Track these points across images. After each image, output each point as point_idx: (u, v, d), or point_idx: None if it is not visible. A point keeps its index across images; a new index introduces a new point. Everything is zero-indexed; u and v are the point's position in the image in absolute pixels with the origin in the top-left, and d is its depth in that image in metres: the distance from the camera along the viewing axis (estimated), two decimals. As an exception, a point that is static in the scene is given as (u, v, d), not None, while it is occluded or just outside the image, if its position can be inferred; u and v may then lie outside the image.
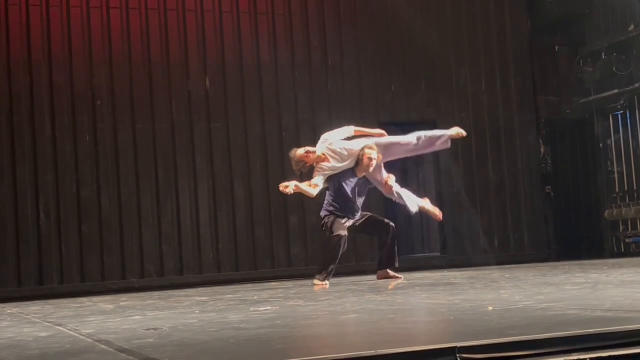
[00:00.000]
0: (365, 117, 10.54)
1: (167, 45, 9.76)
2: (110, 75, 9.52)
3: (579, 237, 11.24)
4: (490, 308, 3.89)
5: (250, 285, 8.57)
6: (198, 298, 6.38)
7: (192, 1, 9.87)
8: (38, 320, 4.99)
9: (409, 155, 7.83)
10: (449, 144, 7.60)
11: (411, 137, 7.51)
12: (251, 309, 4.76)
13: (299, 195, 10.13)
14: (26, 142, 9.13)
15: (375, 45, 10.69)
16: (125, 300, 6.83)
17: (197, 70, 9.90)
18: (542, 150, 11.32)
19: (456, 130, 7.49)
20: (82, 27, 9.45)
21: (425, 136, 7.52)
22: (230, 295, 6.48)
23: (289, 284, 8.15)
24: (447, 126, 10.85)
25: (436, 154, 10.94)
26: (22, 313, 5.85)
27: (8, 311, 6.29)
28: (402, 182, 11.70)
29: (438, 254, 11.02)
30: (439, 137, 7.56)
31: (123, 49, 9.56)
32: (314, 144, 10.28)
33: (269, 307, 4.82)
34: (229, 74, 10.04)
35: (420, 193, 11.47)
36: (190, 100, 9.82)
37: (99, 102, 9.43)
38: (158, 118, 9.66)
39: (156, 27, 9.73)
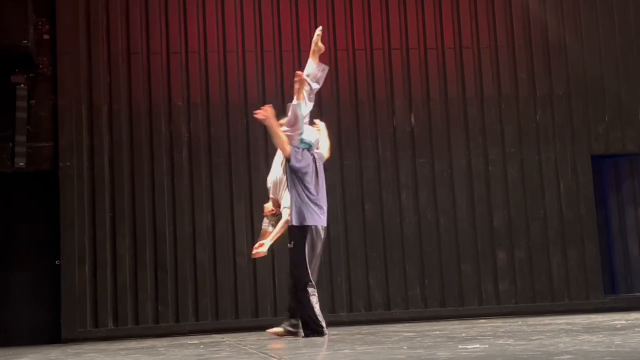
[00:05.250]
0: (577, 149, 10.17)
1: (373, 84, 9.97)
2: (320, 113, 9.86)
3: None
4: None
5: (457, 322, 8.46)
6: (405, 334, 6.39)
7: (397, 40, 10.05)
8: (254, 351, 5.21)
9: None
10: None
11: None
12: (459, 346, 4.70)
13: (507, 230, 9.97)
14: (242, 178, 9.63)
15: (587, 74, 10.30)
16: (335, 334, 6.97)
17: (402, 107, 10.04)
18: None
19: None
20: (293, 71, 9.88)
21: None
22: (437, 332, 6.43)
23: (498, 321, 7.96)
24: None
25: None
26: (240, 344, 6.14)
27: (227, 342, 6.64)
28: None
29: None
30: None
31: (331, 89, 9.89)
32: (517, 180, 10.05)
33: (477, 346, 4.73)
34: (434, 109, 10.08)
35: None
36: (395, 136, 9.95)
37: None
38: (364, 155, 9.87)
39: (363, 66, 9.99)
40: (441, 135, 10.02)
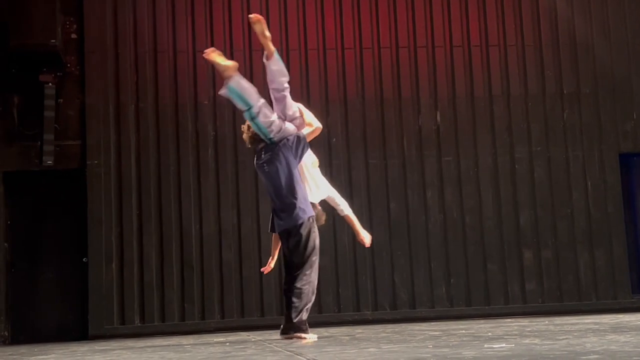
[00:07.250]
0: (605, 147, 10.08)
1: (398, 82, 9.95)
2: (345, 112, 9.86)
3: None
4: None
5: (483, 321, 8.42)
6: (431, 332, 6.37)
7: (423, 39, 10.01)
8: (280, 349, 5.23)
9: None
10: None
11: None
12: (485, 345, 4.69)
13: (533, 229, 9.90)
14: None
15: (615, 71, 10.20)
16: (360, 332, 6.98)
17: (428, 105, 10.00)
18: None
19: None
20: (318, 69, 9.89)
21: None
22: (463, 331, 6.40)
23: (524, 321, 7.91)
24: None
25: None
26: (265, 342, 6.16)
27: (252, 339, 6.67)
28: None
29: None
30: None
31: (357, 88, 9.88)
32: (544, 179, 9.95)
33: (504, 345, 4.71)
34: (460, 107, 10.04)
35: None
36: (421, 134, 9.93)
37: (334, 140, 9.80)
38: (389, 153, 9.85)
39: (388, 64, 9.97)
40: (467, 134, 9.97)
